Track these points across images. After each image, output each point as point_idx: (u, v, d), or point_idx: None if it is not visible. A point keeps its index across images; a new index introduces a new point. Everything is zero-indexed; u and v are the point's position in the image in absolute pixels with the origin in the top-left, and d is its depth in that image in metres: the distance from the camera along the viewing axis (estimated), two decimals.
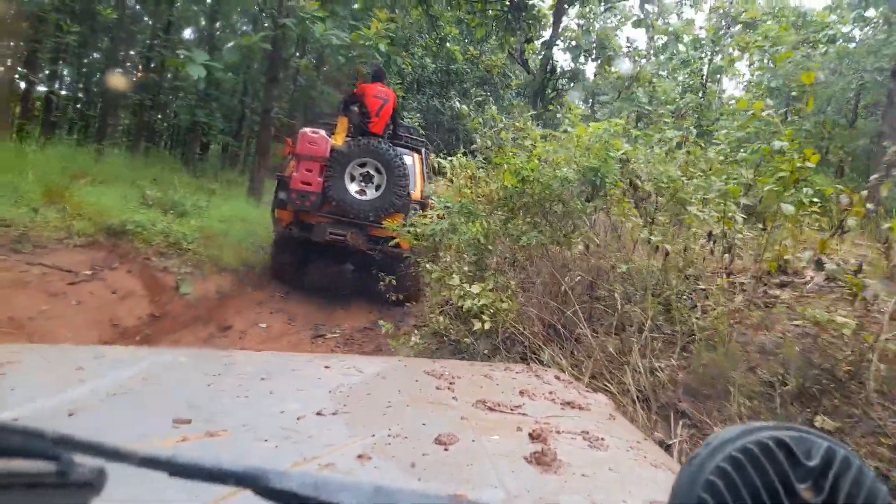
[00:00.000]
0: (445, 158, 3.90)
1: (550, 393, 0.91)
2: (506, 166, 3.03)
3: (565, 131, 3.14)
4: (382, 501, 0.31)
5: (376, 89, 4.79)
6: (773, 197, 2.19)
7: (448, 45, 12.08)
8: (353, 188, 4.40)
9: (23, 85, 9.82)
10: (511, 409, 0.81)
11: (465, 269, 3.17)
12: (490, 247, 3.25)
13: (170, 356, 0.97)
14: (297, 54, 9.53)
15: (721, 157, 2.69)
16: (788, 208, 2.12)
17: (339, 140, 4.52)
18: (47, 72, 10.01)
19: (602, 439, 0.72)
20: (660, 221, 2.65)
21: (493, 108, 4.87)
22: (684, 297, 2.49)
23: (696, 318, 2.29)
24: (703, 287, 2.52)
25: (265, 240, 5.77)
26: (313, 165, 4.32)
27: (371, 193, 4.42)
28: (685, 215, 2.54)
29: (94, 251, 4.12)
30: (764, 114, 2.36)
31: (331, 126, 4.74)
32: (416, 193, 4.54)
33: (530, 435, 0.69)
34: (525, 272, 3.33)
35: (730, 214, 2.39)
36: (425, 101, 12.11)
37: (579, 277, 3.02)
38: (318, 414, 0.71)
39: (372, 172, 4.45)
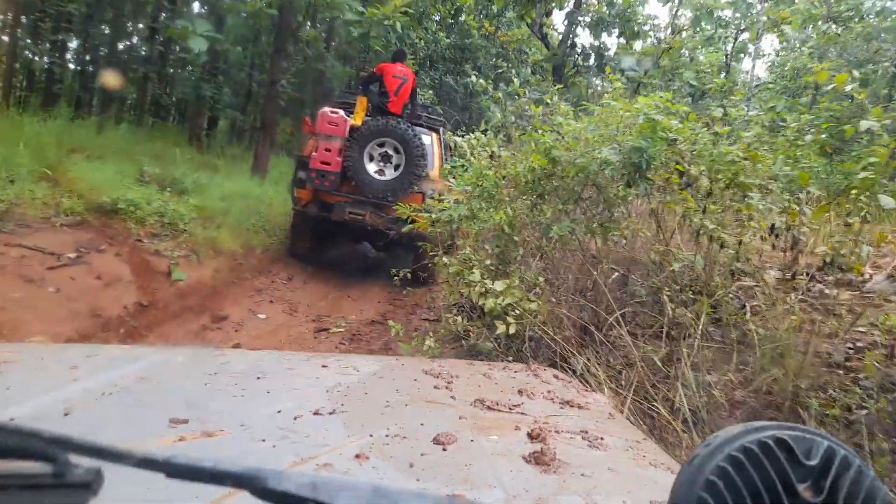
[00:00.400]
0: (462, 137, 3.98)
1: (549, 392, 1.00)
2: (533, 145, 3.04)
3: (604, 105, 3.12)
4: (380, 502, 0.34)
5: (396, 69, 5.38)
6: (868, 185, 2.12)
7: (463, 16, 12.47)
8: (371, 168, 4.97)
9: (33, 57, 10.46)
10: (510, 409, 0.89)
11: (487, 262, 3.19)
12: (515, 237, 3.27)
13: (166, 355, 1.08)
14: (309, 25, 9.76)
15: (791, 139, 2.63)
16: (888, 201, 2.03)
17: (358, 120, 5.06)
18: (48, 44, 10.64)
19: (601, 439, 0.79)
20: (710, 210, 2.62)
21: (516, 81, 4.88)
22: (731, 296, 2.47)
23: (753, 323, 2.27)
24: (753, 284, 2.48)
25: (268, 220, 6.27)
26: (332, 145, 4.89)
27: (390, 173, 4.98)
28: (739, 204, 2.51)
29: (82, 231, 4.23)
30: (847, 88, 2.29)
31: (348, 105, 5.29)
32: (434, 173, 5.09)
33: (529, 434, 0.77)
34: (553, 266, 3.34)
35: (795, 206, 2.34)
36: (438, 78, 12.70)
37: (616, 273, 3.02)
38: (316, 413, 0.79)
39: (391, 152, 5.00)
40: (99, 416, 0.73)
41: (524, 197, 3.30)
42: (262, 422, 0.75)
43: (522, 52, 13.58)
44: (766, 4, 8.72)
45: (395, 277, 3.55)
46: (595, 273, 2.88)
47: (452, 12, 12.11)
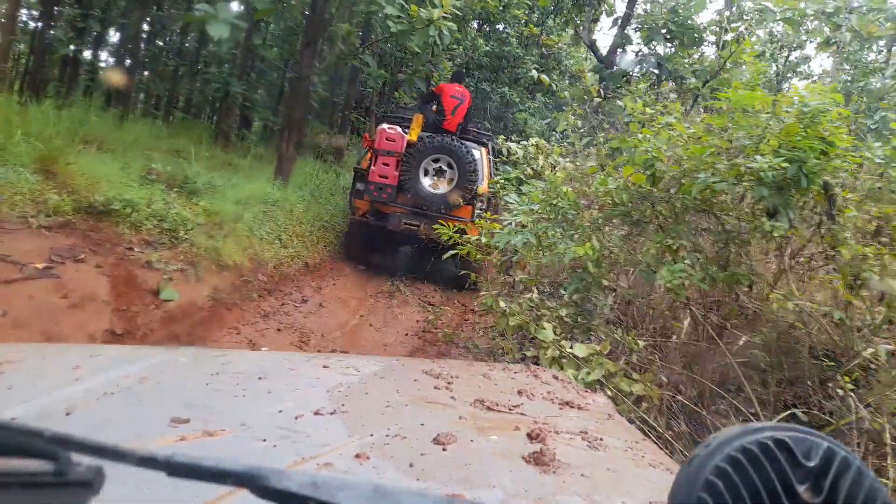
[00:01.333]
0: (517, 142, 4.18)
1: (549, 393, 1.23)
2: (625, 155, 3.04)
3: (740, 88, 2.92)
4: (381, 501, 0.44)
5: (454, 89, 7.49)
6: None
7: (512, 15, 14.66)
8: (426, 182, 6.99)
9: (66, 46, 12.79)
10: (509, 409, 1.11)
11: (563, 312, 3.13)
12: (604, 280, 3.20)
13: (167, 355, 1.36)
14: (349, 20, 10.99)
15: None
16: None
17: (413, 136, 7.05)
18: (76, 31, 12.85)
19: (601, 439, 0.99)
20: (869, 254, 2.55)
21: (589, 76, 5.28)
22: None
23: None
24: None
25: (285, 229, 7.11)
26: (390, 160, 6.92)
27: (443, 187, 6.96)
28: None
29: (62, 235, 4.46)
30: None
31: (402, 120, 7.47)
32: (483, 187, 7.00)
33: (529, 435, 0.97)
34: (640, 319, 3.29)
35: None
36: (474, 85, 15.34)
37: (744, 339, 2.85)
38: (316, 413, 1.01)
39: (444, 167, 7.00)
40: (101, 416, 0.95)
41: (611, 224, 3.28)
42: (262, 421, 0.97)
43: (561, 62, 16.06)
44: (850, 16, 9.55)
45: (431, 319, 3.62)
46: (721, 341, 2.71)
47: (502, 7, 14.00)
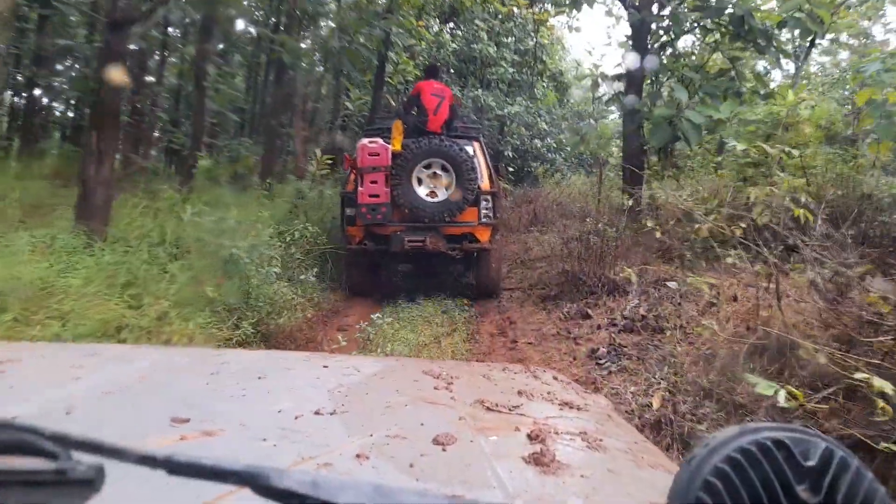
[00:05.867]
0: None
1: (549, 393, 1.21)
2: None
3: None
4: (381, 501, 0.43)
5: (432, 87, 6.72)
6: None
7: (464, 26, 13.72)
8: (422, 191, 6.25)
9: None
10: (509, 410, 1.09)
11: None
12: None
13: (167, 354, 1.34)
14: None
15: None
16: None
17: (396, 145, 6.31)
18: None
19: (601, 440, 0.97)
20: None
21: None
22: None
23: None
24: None
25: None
26: (378, 176, 6.16)
27: (442, 194, 6.26)
28: None
29: None
30: None
31: (381, 131, 6.67)
32: (484, 184, 6.36)
33: (528, 435, 0.95)
34: None
35: None
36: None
37: None
38: (316, 413, 0.98)
39: (439, 172, 6.28)
40: (100, 415, 0.93)
41: None
42: (262, 421, 0.95)
43: (539, 58, 15.23)
44: None
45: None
46: None
47: None
